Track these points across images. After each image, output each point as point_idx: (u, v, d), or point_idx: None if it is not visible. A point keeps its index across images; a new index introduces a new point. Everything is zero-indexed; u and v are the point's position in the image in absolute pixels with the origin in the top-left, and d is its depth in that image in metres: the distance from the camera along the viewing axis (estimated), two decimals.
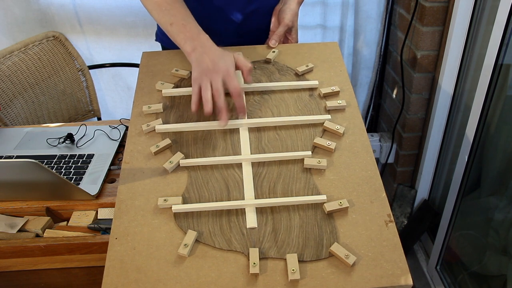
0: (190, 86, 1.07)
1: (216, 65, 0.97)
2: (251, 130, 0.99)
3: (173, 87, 1.09)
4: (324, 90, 1.06)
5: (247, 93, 1.07)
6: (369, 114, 2.23)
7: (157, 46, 1.51)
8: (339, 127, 0.97)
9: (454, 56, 1.64)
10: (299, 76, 1.11)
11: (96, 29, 1.92)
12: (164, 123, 1.00)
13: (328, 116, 1.00)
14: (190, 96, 1.06)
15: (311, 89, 1.08)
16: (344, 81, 1.09)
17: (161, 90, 1.07)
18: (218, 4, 1.24)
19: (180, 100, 1.06)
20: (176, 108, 1.04)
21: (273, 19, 1.26)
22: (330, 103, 1.03)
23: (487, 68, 1.40)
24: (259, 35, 1.31)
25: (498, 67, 1.38)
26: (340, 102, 1.02)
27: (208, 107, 0.96)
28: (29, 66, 1.75)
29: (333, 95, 1.06)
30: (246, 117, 1.01)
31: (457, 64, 1.65)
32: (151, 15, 1.12)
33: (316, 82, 1.08)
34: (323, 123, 0.99)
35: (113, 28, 1.91)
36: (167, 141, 0.96)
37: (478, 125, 1.50)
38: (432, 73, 1.76)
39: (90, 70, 1.94)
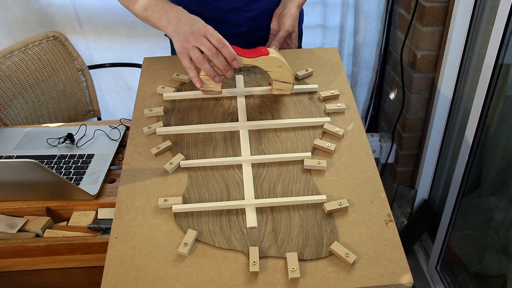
0: (191, 90, 1.09)
1: (193, 27, 0.97)
2: (251, 132, 0.99)
3: (174, 91, 1.09)
4: (323, 94, 1.06)
5: (247, 97, 1.08)
6: (369, 114, 2.23)
7: (157, 46, 1.52)
8: (338, 129, 0.97)
9: (454, 56, 1.64)
10: (299, 80, 1.12)
11: (96, 29, 1.92)
12: (165, 125, 1.01)
13: (328, 119, 1.01)
14: (191, 99, 1.08)
15: (311, 93, 1.09)
16: (344, 84, 1.10)
17: (162, 94, 1.08)
18: (220, 12, 1.24)
19: (181, 103, 1.07)
20: (177, 111, 1.05)
21: (273, 23, 1.26)
22: (330, 106, 1.03)
23: (487, 68, 1.40)
24: (261, 38, 1.32)
25: (498, 67, 1.38)
26: (340, 105, 1.03)
27: (211, 73, 0.97)
28: (29, 66, 1.75)
29: (333, 98, 1.06)
30: (239, 67, 1.02)
31: (457, 64, 1.65)
32: (128, 9, 1.12)
33: (315, 86, 1.09)
34: (323, 125, 0.99)
35: (113, 28, 1.91)
36: (168, 143, 0.96)
37: (478, 125, 1.49)
38: (432, 73, 1.76)
39: (90, 70, 1.94)
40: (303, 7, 1.89)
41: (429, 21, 1.64)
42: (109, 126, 1.33)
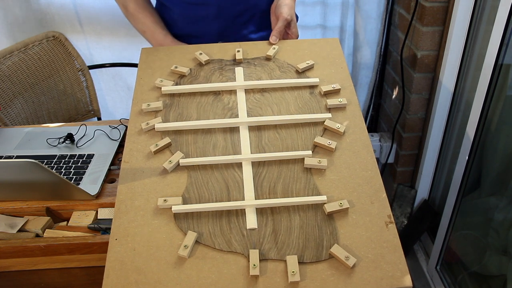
0: (190, 83, 1.08)
1: None
2: (251, 129, 0.98)
3: (173, 84, 1.08)
4: (324, 88, 1.05)
5: (247, 91, 1.07)
6: (369, 114, 2.23)
7: None
8: (339, 126, 0.96)
9: (454, 56, 1.63)
10: (300, 73, 1.11)
11: (96, 29, 1.91)
12: (163, 121, 1.00)
13: (329, 115, 1.00)
14: (190, 93, 1.07)
15: (312, 87, 1.07)
16: (345, 78, 1.08)
17: (161, 88, 1.07)
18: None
19: (179, 97, 1.06)
20: (175, 106, 1.04)
21: (272, 18, 1.26)
22: (331, 101, 1.02)
23: (487, 68, 1.40)
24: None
25: (498, 67, 1.38)
26: (341, 100, 1.02)
27: None
28: (29, 66, 1.74)
29: (334, 93, 1.05)
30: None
31: (457, 64, 1.65)
32: (130, 22, 1.34)
33: (316, 80, 1.07)
34: (324, 121, 0.98)
35: (113, 28, 1.91)
36: (167, 140, 0.96)
37: (478, 125, 1.49)
38: (432, 73, 1.76)
39: (90, 70, 1.93)
40: (302, 6, 1.89)
41: (429, 21, 1.64)
42: (109, 126, 1.33)
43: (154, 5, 1.38)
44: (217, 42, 1.23)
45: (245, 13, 1.30)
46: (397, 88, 1.96)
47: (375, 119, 2.26)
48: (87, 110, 1.98)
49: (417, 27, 1.70)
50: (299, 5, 1.66)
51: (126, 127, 1.31)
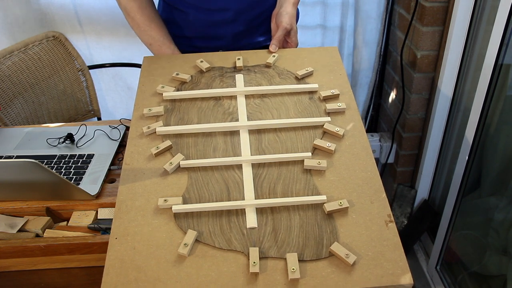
0: (191, 89, 1.09)
1: None
2: (251, 132, 0.99)
3: (174, 90, 1.09)
4: (324, 93, 1.06)
5: (247, 97, 1.08)
6: (369, 114, 2.23)
7: None
8: (339, 129, 0.97)
9: (454, 56, 1.64)
10: (299, 79, 1.12)
11: (96, 29, 1.92)
12: (164, 125, 1.01)
13: (328, 118, 1.00)
14: (191, 99, 1.08)
15: (311, 92, 1.08)
16: (344, 84, 1.10)
17: (162, 94, 1.08)
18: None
19: (180, 103, 1.07)
20: (176, 111, 1.05)
21: (272, 24, 1.27)
22: (330, 106, 1.03)
23: (487, 68, 1.40)
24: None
25: (498, 67, 1.38)
26: (340, 104, 1.03)
27: None
28: (29, 66, 1.75)
29: (333, 98, 1.06)
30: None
31: (457, 64, 1.65)
32: (135, 32, 1.28)
33: (316, 85, 1.08)
34: (323, 125, 0.99)
35: (113, 28, 1.91)
36: (168, 143, 0.96)
37: (478, 125, 1.49)
38: (432, 73, 1.76)
39: (90, 70, 1.94)
40: (302, 6, 1.89)
41: (429, 21, 1.64)
42: (109, 126, 1.33)
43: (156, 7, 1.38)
44: (231, 44, 1.24)
45: (260, 16, 1.31)
46: (397, 88, 1.96)
47: (375, 119, 2.27)
48: (87, 110, 1.98)
49: (417, 27, 1.70)
50: (299, 5, 1.66)
51: (126, 127, 1.31)
